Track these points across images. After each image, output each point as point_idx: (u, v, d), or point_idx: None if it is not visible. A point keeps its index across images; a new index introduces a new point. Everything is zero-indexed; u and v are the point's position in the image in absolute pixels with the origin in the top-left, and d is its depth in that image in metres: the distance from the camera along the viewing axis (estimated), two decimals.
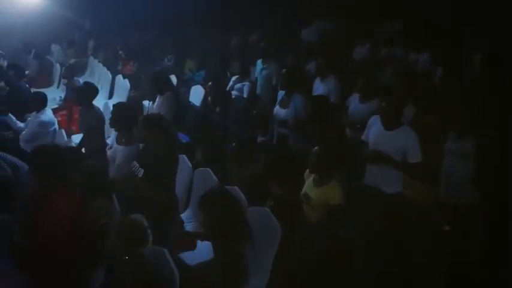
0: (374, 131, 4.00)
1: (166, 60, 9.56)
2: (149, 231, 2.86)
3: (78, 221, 3.50)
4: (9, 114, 5.61)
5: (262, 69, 6.69)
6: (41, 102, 5.54)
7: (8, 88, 6.77)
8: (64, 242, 3.34)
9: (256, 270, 3.33)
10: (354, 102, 5.15)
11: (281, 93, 5.21)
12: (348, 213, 3.36)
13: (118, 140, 4.11)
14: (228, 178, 4.69)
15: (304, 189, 3.70)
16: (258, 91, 6.66)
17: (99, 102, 6.00)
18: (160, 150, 3.54)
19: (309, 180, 3.73)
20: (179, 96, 6.87)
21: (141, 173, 3.54)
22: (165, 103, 5.18)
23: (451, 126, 4.31)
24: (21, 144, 5.43)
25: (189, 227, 4.18)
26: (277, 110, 5.05)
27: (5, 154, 4.87)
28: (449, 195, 4.25)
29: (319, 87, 5.63)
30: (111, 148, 4.19)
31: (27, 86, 6.99)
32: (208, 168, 4.29)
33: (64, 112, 7.23)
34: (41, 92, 5.73)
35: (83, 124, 4.93)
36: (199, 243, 3.60)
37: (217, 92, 6.29)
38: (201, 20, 10.76)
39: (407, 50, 7.64)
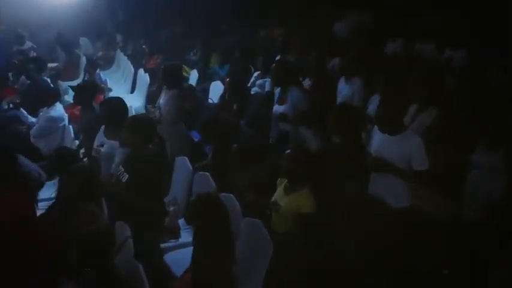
0: (377, 138, 3.63)
1: (192, 54, 9.42)
2: (114, 241, 2.65)
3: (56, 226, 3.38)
4: (21, 109, 5.57)
5: None
6: (52, 97, 5.48)
7: (28, 82, 6.79)
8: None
9: (248, 283, 3.16)
10: (375, 104, 4.76)
11: (278, 91, 4.99)
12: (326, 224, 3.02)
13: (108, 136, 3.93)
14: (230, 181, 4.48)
15: (274, 197, 3.42)
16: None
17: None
18: (141, 156, 3.32)
19: (281, 187, 3.48)
20: (194, 92, 6.69)
21: (125, 179, 3.33)
22: (170, 101, 4.99)
23: (481, 136, 3.85)
24: (32, 139, 5.39)
25: (185, 235, 4.00)
26: (276, 107, 4.82)
27: None
28: (474, 212, 3.79)
29: (343, 89, 5.26)
30: (102, 146, 3.99)
31: (48, 79, 6.97)
32: (207, 173, 4.07)
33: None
34: (53, 87, 5.66)
35: (82, 124, 4.80)
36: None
37: (235, 88, 6.04)
38: (232, 13, 10.50)
39: (443, 46, 7.08)
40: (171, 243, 3.82)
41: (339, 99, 5.23)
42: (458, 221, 3.82)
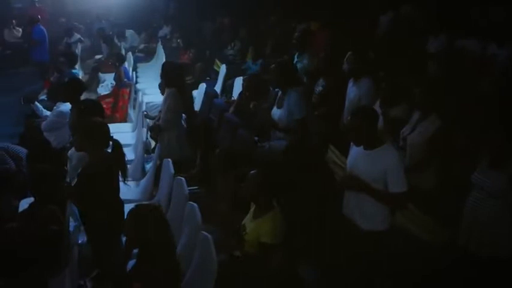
0: (353, 152, 3.22)
1: (229, 47, 9.26)
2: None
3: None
4: (36, 103, 5.72)
5: (296, 63, 5.99)
6: (69, 91, 5.51)
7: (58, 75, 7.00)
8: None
9: None
10: (377, 109, 4.34)
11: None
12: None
13: None
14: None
15: (245, 219, 3.15)
16: None
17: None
18: (91, 161, 3.21)
19: (252, 208, 3.18)
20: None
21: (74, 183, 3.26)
22: (167, 99, 4.85)
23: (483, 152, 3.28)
24: (44, 133, 5.53)
25: None
26: (274, 111, 4.48)
27: (8, 145, 4.98)
28: (472, 243, 3.24)
29: (350, 92, 4.81)
30: None
31: (77, 74, 7.14)
32: (182, 178, 3.91)
33: (110, 99, 7.33)
34: (74, 82, 5.72)
35: (70, 121, 4.78)
36: None
37: (253, 85, 5.81)
38: (276, 8, 10.18)
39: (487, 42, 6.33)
40: None
41: (346, 104, 4.82)
42: (450, 251, 3.35)
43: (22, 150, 4.84)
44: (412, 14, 7.93)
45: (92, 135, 3.18)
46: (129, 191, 4.76)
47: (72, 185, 3.27)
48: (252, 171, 3.13)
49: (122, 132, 6.33)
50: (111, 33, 10.73)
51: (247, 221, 3.17)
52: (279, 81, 4.48)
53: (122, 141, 5.88)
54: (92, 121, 3.29)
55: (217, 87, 7.76)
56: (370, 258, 3.13)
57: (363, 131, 3.03)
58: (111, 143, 3.36)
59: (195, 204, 3.46)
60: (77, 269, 3.21)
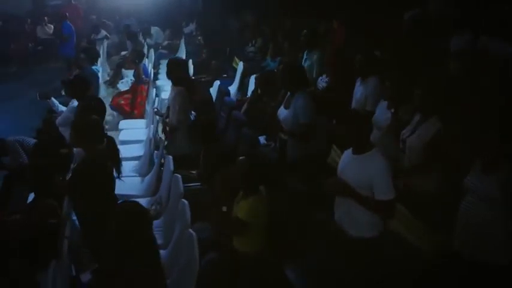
0: (345, 156, 3.16)
1: (250, 45, 9.27)
2: None
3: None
4: (52, 98, 5.87)
5: (305, 60, 5.93)
6: (81, 88, 5.67)
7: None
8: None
9: None
10: (380, 109, 4.25)
11: None
12: None
13: None
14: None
15: None
16: None
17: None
18: (83, 157, 3.28)
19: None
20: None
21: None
22: (176, 98, 4.88)
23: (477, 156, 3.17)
24: (59, 128, 5.69)
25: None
26: (280, 111, 4.39)
27: (24, 138, 5.15)
28: (465, 248, 3.12)
29: (357, 91, 4.71)
30: None
31: (97, 70, 7.30)
32: (179, 175, 3.96)
33: (128, 96, 7.47)
34: (84, 75, 5.87)
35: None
36: None
37: (265, 83, 5.80)
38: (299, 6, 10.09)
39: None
40: None
41: (353, 103, 4.74)
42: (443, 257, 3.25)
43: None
44: (442, 11, 7.69)
45: (84, 132, 3.26)
46: (134, 186, 4.89)
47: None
48: (240, 158, 3.17)
49: (136, 129, 6.47)
50: (138, 30, 10.95)
51: (235, 205, 3.24)
52: (287, 83, 4.39)
53: (135, 137, 6.10)
54: (86, 118, 3.37)
55: (234, 85, 7.80)
56: (359, 264, 3.07)
57: (353, 134, 2.98)
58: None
59: (186, 202, 3.50)
60: (68, 261, 3.30)
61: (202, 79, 7.93)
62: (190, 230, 3.13)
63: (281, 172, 3.94)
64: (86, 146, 3.26)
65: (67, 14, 10.01)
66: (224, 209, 3.28)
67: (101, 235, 3.39)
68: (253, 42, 9.18)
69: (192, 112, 5.32)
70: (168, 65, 5.07)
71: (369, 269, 3.07)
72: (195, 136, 4.26)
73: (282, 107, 4.41)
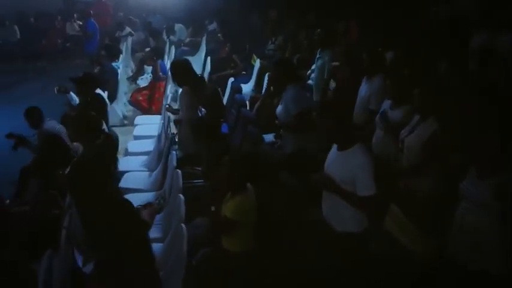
0: (332, 151, 3.17)
1: (270, 42, 9.28)
2: None
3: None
4: (71, 93, 6.05)
5: (317, 59, 5.92)
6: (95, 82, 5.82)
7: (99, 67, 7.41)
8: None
9: None
10: (384, 108, 4.23)
11: None
12: None
13: None
14: None
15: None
16: (313, 84, 5.94)
17: None
18: (82, 152, 3.40)
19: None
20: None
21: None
22: (183, 97, 4.95)
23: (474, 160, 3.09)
24: None
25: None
26: (278, 107, 4.44)
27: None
28: (459, 253, 3.08)
29: (362, 89, 4.69)
30: None
31: (115, 67, 7.49)
32: (178, 170, 4.04)
33: (146, 92, 7.63)
34: (93, 73, 6.03)
35: None
36: None
37: (274, 82, 5.82)
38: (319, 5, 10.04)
39: None
40: None
41: (357, 101, 4.72)
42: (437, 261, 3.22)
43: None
44: (469, 8, 7.53)
45: (81, 128, 3.38)
46: (142, 180, 5.01)
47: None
48: (224, 159, 3.23)
49: (151, 124, 6.61)
50: (165, 26, 11.13)
51: (224, 204, 3.27)
52: (279, 78, 4.45)
53: (149, 133, 6.23)
54: (83, 115, 3.48)
55: (251, 82, 7.85)
56: (345, 260, 3.09)
57: (333, 129, 2.99)
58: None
59: (182, 197, 3.57)
60: (70, 252, 3.42)
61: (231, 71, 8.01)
62: (182, 225, 3.20)
63: (277, 169, 3.96)
64: (83, 141, 3.38)
65: (91, 11, 10.30)
66: (212, 208, 3.32)
67: (98, 230, 3.54)
68: (273, 39, 9.20)
69: (202, 109, 5.41)
70: (170, 69, 5.14)
71: (365, 268, 3.09)
72: (198, 133, 4.33)
73: (279, 104, 4.46)
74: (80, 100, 4.23)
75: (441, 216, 3.35)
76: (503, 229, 2.91)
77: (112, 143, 3.53)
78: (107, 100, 5.19)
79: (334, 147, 3.15)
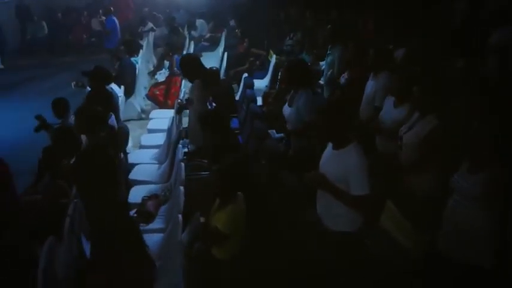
0: (327, 150, 3.18)
1: (288, 38, 9.30)
2: None
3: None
4: (88, 87, 6.23)
5: (328, 55, 5.91)
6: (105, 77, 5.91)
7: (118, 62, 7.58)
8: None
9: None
10: (387, 106, 4.22)
11: None
12: None
13: None
14: None
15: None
16: (322, 81, 5.95)
17: None
18: (87, 143, 3.52)
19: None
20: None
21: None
22: (194, 92, 5.04)
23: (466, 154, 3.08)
24: None
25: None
26: (284, 108, 4.43)
27: None
28: (450, 248, 3.09)
29: (368, 86, 4.67)
30: None
31: (134, 62, 7.65)
32: (182, 163, 4.14)
33: (163, 86, 7.79)
34: (104, 68, 6.15)
35: None
36: None
37: (287, 79, 5.86)
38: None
39: None
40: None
41: (363, 97, 4.72)
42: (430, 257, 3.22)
43: None
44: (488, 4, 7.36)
45: (85, 120, 3.51)
46: (151, 173, 5.15)
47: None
48: (214, 168, 3.24)
49: (165, 118, 6.74)
50: (187, 22, 11.28)
51: (212, 214, 3.28)
52: (291, 80, 4.44)
53: (163, 127, 6.37)
54: (88, 108, 3.61)
55: (267, 78, 7.91)
56: (342, 260, 3.12)
57: (326, 128, 3.02)
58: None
59: (181, 188, 3.66)
60: (71, 240, 3.55)
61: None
62: (179, 216, 3.30)
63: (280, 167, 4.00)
64: (87, 133, 3.51)
65: (112, 8, 10.53)
66: (202, 219, 3.34)
67: (100, 222, 3.66)
68: (291, 35, 9.21)
69: (213, 103, 5.50)
70: (180, 66, 5.23)
71: (363, 268, 3.11)
72: (203, 126, 4.41)
73: (286, 105, 4.46)
74: (89, 93, 4.36)
75: (436, 214, 3.35)
76: (493, 223, 2.91)
77: (117, 136, 3.64)
78: (118, 94, 5.32)
79: (330, 145, 3.18)
